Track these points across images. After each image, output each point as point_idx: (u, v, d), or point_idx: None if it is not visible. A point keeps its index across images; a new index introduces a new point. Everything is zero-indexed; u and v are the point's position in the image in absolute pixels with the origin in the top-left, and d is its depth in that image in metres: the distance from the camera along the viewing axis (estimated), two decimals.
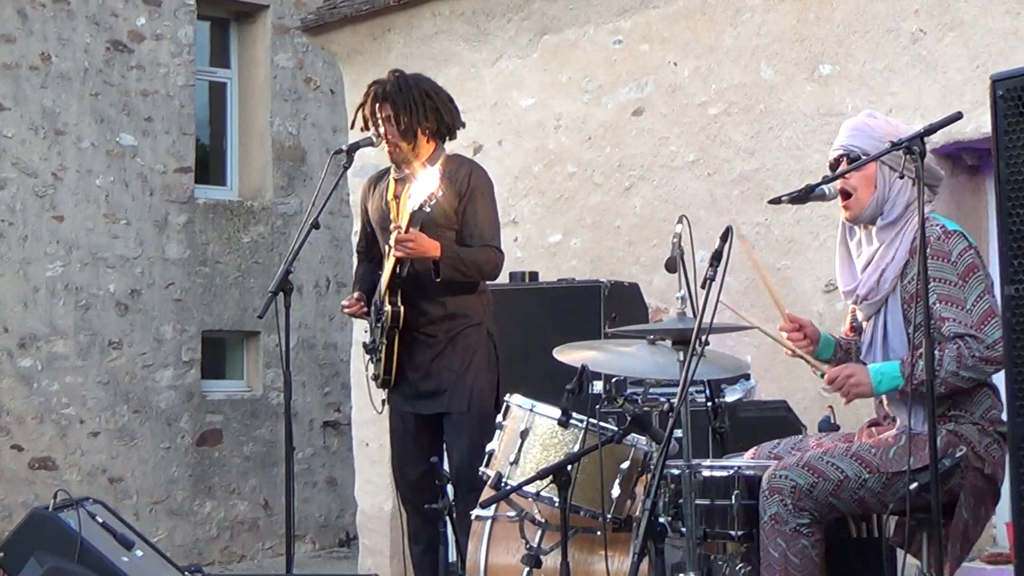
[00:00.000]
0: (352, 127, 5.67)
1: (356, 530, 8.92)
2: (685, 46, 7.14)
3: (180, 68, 10.79)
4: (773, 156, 6.77)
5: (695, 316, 4.08)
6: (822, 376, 4.31)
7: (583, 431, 4.40)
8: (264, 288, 10.11)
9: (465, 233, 5.36)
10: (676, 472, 4.20)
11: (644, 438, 4.41)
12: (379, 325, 5.33)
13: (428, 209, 5.06)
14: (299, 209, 11.14)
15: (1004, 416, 3.77)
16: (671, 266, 4.24)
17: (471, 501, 4.89)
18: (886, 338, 4.25)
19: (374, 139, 5.41)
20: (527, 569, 4.39)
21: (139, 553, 5.54)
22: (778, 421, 5.65)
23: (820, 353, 4.41)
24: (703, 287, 3.98)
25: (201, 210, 10.87)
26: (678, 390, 4.01)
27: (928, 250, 4.00)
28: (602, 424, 4.48)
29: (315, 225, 5.22)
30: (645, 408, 4.76)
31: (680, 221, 4.23)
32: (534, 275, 6.88)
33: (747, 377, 5.84)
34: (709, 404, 5.11)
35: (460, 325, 5.37)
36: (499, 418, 4.65)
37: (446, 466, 5.32)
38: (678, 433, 4.07)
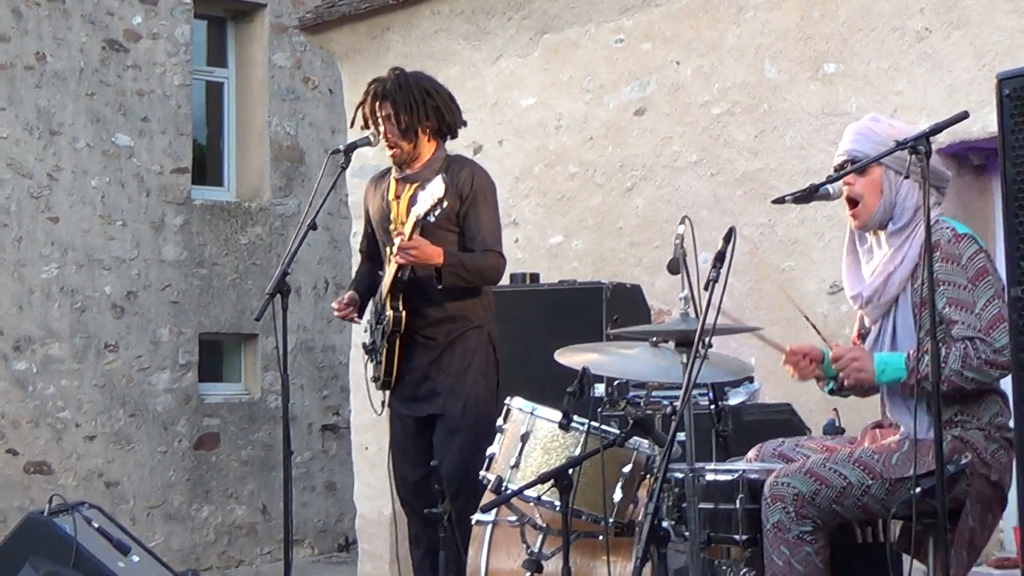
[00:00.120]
0: (352, 126, 5.66)
1: (355, 535, 8.93)
2: (688, 45, 7.15)
3: (177, 67, 10.79)
4: (777, 156, 6.78)
5: (698, 318, 4.07)
6: (830, 392, 4.35)
7: (585, 434, 4.38)
8: (262, 290, 10.17)
9: (467, 238, 5.33)
10: (679, 476, 4.19)
11: (647, 441, 4.39)
12: (380, 328, 5.32)
13: (432, 219, 5.05)
14: (297, 210, 11.16)
15: (1011, 423, 3.80)
16: (674, 267, 4.24)
17: (462, 506, 4.89)
18: (895, 341, 4.23)
19: (372, 139, 5.39)
20: (528, 574, 4.38)
21: (135, 558, 5.58)
22: (782, 424, 5.65)
23: (825, 370, 4.38)
24: (706, 289, 3.97)
25: (198, 211, 10.87)
26: (681, 393, 4.00)
27: (939, 253, 4.04)
28: (604, 427, 4.48)
29: (313, 226, 5.19)
30: (647, 411, 4.83)
31: (683, 222, 4.23)
32: (535, 277, 6.90)
33: (751, 380, 5.80)
34: (712, 407, 5.10)
35: (460, 328, 5.35)
36: (500, 421, 4.62)
37: None
38: (681, 436, 4.07)
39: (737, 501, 4.13)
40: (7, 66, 9.96)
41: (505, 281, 6.05)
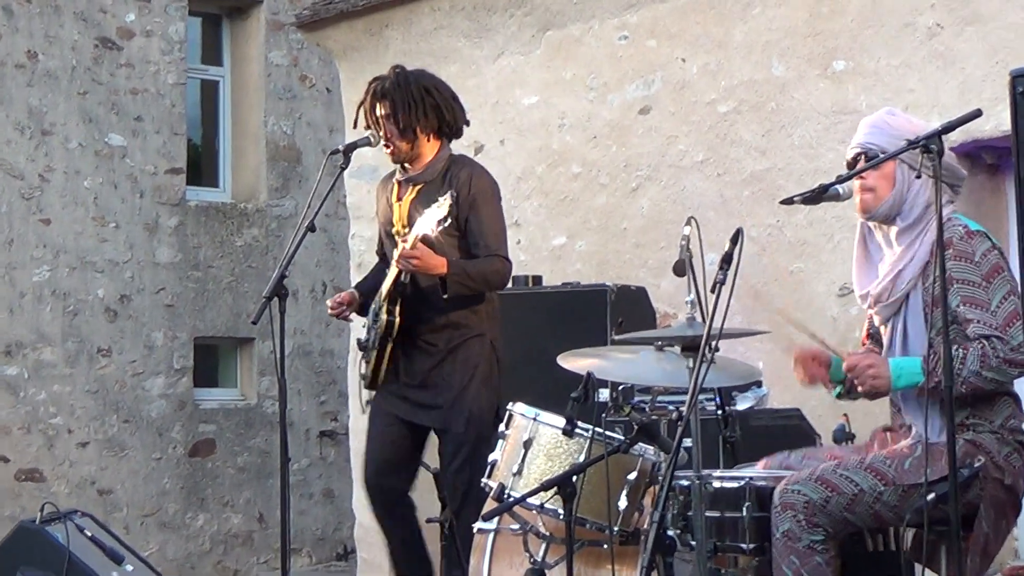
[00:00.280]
0: (355, 126, 5.64)
1: (354, 543, 8.92)
2: (694, 42, 7.17)
3: (171, 66, 10.81)
4: (785, 155, 6.80)
5: (705, 321, 4.05)
6: (838, 396, 4.36)
7: (589, 441, 4.36)
8: (258, 293, 10.13)
9: (470, 243, 5.32)
10: (685, 483, 4.18)
11: (652, 448, 4.36)
12: (375, 329, 5.33)
13: (434, 237, 5.04)
14: (294, 211, 11.18)
15: None
16: (679, 269, 4.23)
17: (465, 516, 4.97)
18: (906, 342, 4.22)
19: (372, 139, 5.38)
20: None
21: (129, 568, 5.58)
22: (791, 430, 5.65)
23: (833, 375, 4.38)
24: (713, 291, 3.96)
25: (193, 212, 10.89)
26: (687, 398, 3.99)
27: (951, 251, 4.03)
28: (608, 433, 4.44)
29: (311, 228, 5.16)
30: (653, 417, 4.75)
31: (689, 223, 4.23)
32: (538, 279, 6.93)
33: (759, 384, 5.83)
34: (719, 412, 5.05)
35: (462, 335, 5.35)
36: (502, 427, 4.62)
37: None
38: (687, 442, 4.05)
39: (744, 509, 4.13)
40: None
41: (507, 284, 6.02)
